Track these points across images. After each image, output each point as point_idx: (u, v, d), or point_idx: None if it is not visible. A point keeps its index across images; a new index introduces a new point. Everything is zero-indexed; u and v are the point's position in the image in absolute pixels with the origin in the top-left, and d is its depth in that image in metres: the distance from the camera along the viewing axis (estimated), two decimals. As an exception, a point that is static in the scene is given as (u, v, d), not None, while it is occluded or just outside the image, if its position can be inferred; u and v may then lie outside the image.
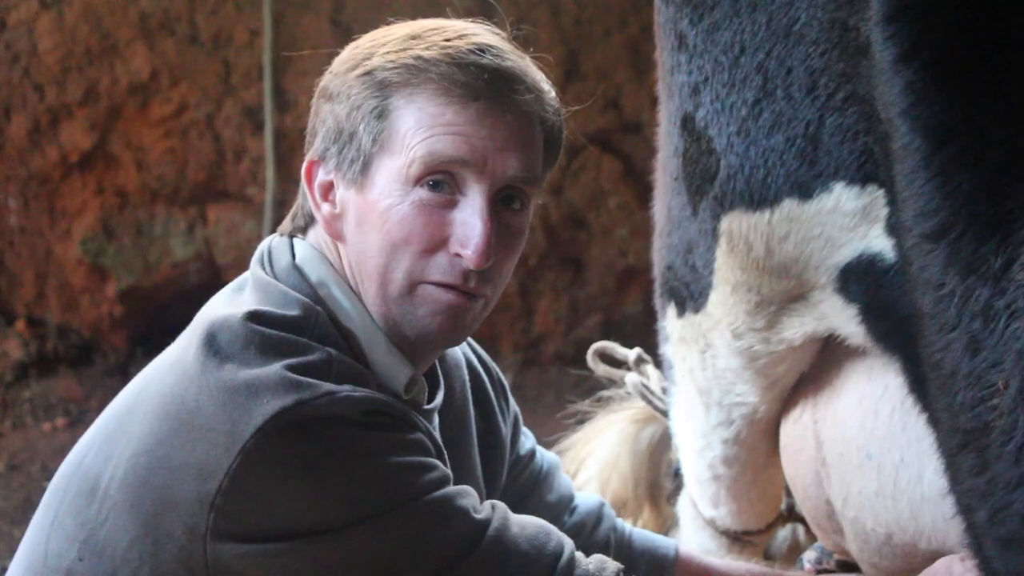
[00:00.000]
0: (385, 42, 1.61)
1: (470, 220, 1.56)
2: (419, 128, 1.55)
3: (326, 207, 1.63)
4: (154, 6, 5.96)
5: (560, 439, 2.74)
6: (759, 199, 1.80)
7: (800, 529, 2.49)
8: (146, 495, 1.50)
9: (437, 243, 1.57)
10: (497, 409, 1.91)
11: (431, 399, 1.72)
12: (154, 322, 6.20)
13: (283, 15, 6.09)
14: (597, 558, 1.70)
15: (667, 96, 2.05)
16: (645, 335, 2.55)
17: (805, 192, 1.75)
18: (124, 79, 6.01)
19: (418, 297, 1.59)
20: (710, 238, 1.94)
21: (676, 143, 1.99)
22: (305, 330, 1.55)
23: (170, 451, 1.49)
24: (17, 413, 5.93)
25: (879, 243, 1.70)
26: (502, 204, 1.61)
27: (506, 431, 1.93)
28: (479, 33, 1.62)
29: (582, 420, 2.81)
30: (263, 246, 1.70)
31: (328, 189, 1.63)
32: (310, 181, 1.64)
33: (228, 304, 1.61)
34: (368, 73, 1.58)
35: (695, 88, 1.90)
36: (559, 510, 2.03)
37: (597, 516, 2.05)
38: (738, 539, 2.37)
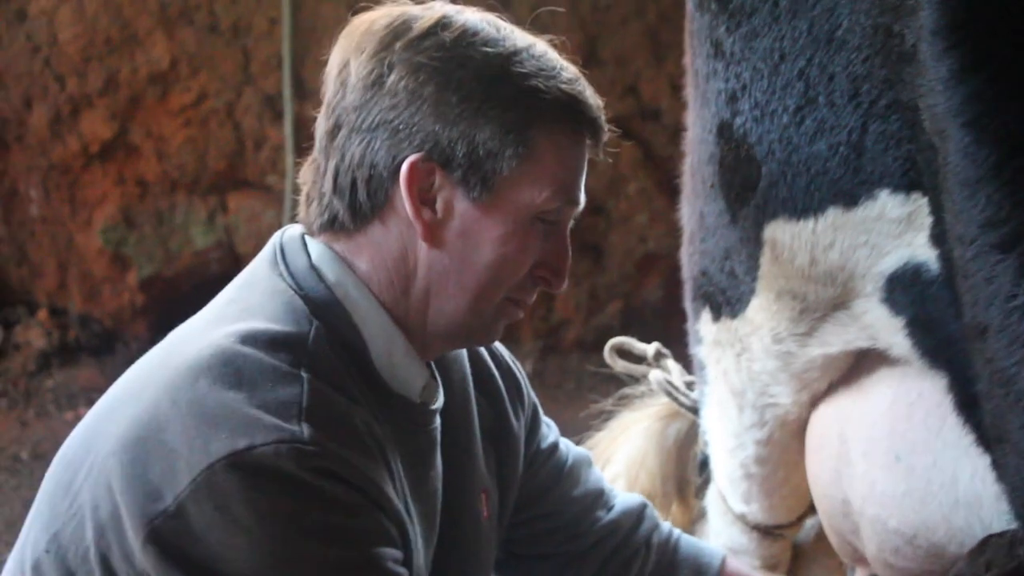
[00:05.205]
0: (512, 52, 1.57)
1: (559, 248, 1.64)
2: (553, 164, 1.58)
3: (424, 209, 1.58)
4: (173, -4, 5.97)
5: (585, 437, 2.74)
6: (803, 207, 1.79)
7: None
8: (104, 502, 1.50)
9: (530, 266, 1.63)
10: (507, 400, 1.89)
11: (436, 398, 1.71)
12: (175, 311, 6.15)
13: (302, 3, 6.09)
14: None
15: (700, 103, 2.04)
16: (665, 321, 2.56)
17: (850, 200, 1.74)
18: (144, 69, 6.02)
19: (497, 310, 1.65)
20: (752, 245, 1.93)
21: (712, 150, 1.98)
22: (297, 348, 1.53)
23: (133, 460, 1.48)
24: (40, 402, 5.97)
25: (924, 252, 1.69)
26: None
27: (518, 424, 1.91)
28: (566, 67, 1.61)
29: (607, 418, 2.81)
30: (275, 244, 1.68)
31: (430, 190, 1.58)
32: (412, 176, 1.56)
33: (235, 316, 1.59)
34: (508, 93, 1.56)
35: (732, 95, 1.89)
36: (588, 503, 2.02)
37: (637, 516, 2.05)
38: (769, 533, 2.39)
